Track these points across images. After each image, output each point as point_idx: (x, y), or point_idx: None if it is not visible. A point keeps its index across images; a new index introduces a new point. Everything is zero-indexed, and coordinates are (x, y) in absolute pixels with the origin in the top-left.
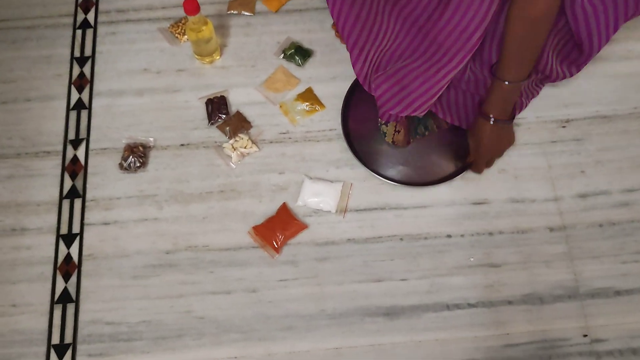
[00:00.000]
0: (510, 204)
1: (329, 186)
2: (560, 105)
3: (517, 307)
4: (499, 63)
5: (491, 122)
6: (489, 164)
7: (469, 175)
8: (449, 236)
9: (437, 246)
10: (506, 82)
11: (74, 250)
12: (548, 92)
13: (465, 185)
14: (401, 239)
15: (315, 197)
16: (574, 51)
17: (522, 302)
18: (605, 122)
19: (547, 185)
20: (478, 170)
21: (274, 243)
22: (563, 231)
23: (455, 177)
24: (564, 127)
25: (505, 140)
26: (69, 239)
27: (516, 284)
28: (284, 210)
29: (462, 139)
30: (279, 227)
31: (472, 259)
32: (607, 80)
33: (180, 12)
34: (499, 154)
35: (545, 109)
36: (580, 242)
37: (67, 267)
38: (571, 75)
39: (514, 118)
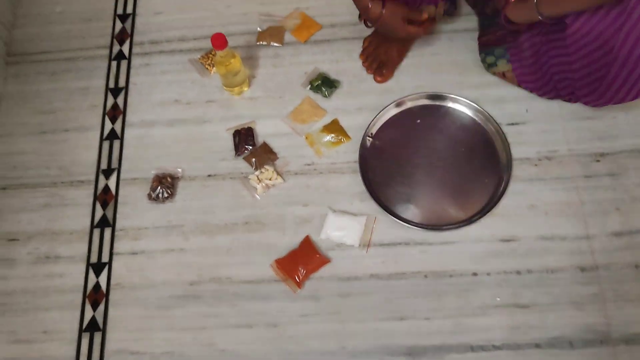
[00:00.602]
0: (539, 241)
1: (352, 220)
2: (595, 138)
3: (545, 351)
4: None
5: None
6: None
7: (497, 210)
8: (475, 274)
9: (462, 284)
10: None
11: (103, 279)
12: (582, 125)
13: (493, 222)
14: (425, 276)
15: (338, 231)
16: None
17: (550, 346)
18: None
19: (579, 223)
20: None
21: (296, 277)
22: (595, 271)
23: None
24: (598, 161)
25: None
26: (98, 267)
27: (544, 326)
28: (307, 243)
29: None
30: (302, 261)
31: (498, 299)
32: None
33: (210, 43)
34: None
35: (579, 142)
36: (614, 283)
37: (96, 296)
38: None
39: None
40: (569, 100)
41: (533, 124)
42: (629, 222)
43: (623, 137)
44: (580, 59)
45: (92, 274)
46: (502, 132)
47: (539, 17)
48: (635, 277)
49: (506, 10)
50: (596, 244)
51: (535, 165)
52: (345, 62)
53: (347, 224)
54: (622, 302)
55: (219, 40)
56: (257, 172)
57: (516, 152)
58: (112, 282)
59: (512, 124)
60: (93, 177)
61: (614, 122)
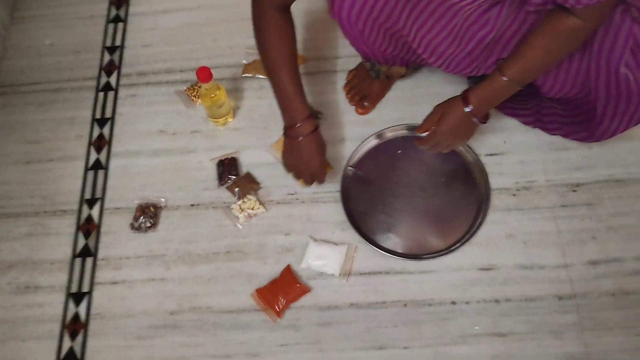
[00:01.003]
0: (518, 270)
1: (333, 249)
2: (572, 169)
3: None
4: (508, 58)
5: (466, 110)
6: (434, 146)
7: (476, 240)
8: (454, 303)
9: (441, 313)
10: (504, 78)
11: (82, 309)
12: (558, 156)
13: (473, 251)
14: (405, 305)
15: (319, 260)
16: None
17: None
18: (618, 186)
19: (557, 252)
20: (422, 143)
21: (277, 307)
22: (573, 300)
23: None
24: (574, 191)
25: (463, 135)
26: (78, 297)
27: (524, 355)
28: (288, 272)
29: (457, 218)
30: (282, 290)
31: (477, 328)
32: (620, 142)
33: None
34: (450, 144)
35: (556, 173)
36: (592, 312)
37: (75, 326)
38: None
39: (487, 120)
40: (556, 134)
41: (511, 154)
42: (605, 250)
43: (598, 168)
44: (565, 106)
45: (71, 304)
46: (481, 163)
47: (514, 87)
48: (613, 305)
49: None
50: (574, 272)
51: (514, 195)
52: (329, 94)
53: (328, 253)
54: (600, 330)
55: (204, 74)
56: (239, 202)
57: (495, 182)
58: (92, 311)
59: (491, 154)
60: (76, 207)
61: (589, 153)
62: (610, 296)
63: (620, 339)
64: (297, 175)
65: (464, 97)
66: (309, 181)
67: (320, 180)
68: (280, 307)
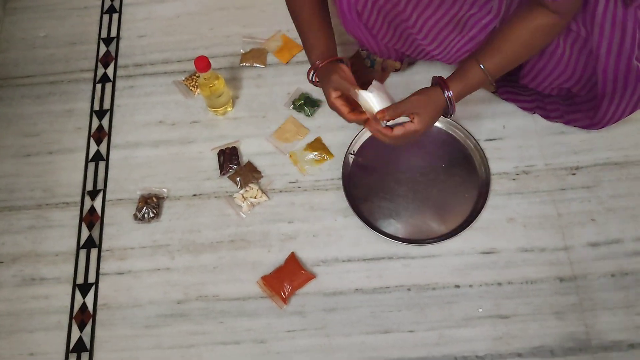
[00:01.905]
0: (519, 253)
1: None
2: (570, 152)
3: None
4: (484, 48)
5: (446, 95)
6: (400, 143)
7: (477, 224)
8: (457, 286)
9: (445, 297)
10: (482, 67)
11: (89, 299)
12: (557, 139)
13: (474, 235)
14: (409, 290)
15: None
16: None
17: (532, 355)
18: (616, 168)
19: (556, 234)
20: (392, 136)
21: (282, 294)
22: (574, 281)
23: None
24: (573, 174)
25: (431, 124)
26: (84, 288)
27: (526, 336)
28: (292, 260)
29: (457, 202)
30: (287, 277)
31: (480, 310)
32: (617, 125)
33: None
34: (416, 135)
35: (554, 156)
36: (592, 292)
37: (83, 317)
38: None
39: (454, 112)
40: (558, 121)
41: (510, 139)
42: (604, 232)
43: (596, 151)
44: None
45: (78, 295)
46: (481, 148)
47: (488, 77)
48: (612, 285)
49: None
50: (574, 254)
51: (513, 179)
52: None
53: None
54: (600, 310)
55: (203, 63)
56: (242, 191)
57: (494, 167)
58: (99, 302)
59: (490, 139)
60: (79, 199)
61: (587, 137)
62: (610, 277)
63: (620, 318)
64: (333, 109)
65: (443, 84)
66: (342, 111)
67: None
68: (287, 293)
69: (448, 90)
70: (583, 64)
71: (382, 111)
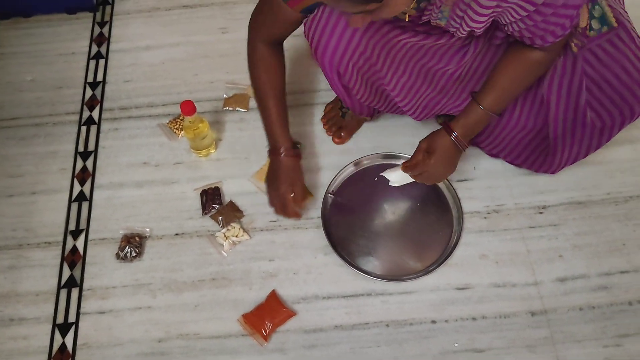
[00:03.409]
0: (492, 288)
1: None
2: (537, 192)
3: None
4: (482, 89)
5: (452, 138)
6: (426, 178)
7: (451, 260)
8: (434, 322)
9: (422, 332)
10: (481, 107)
11: (69, 339)
12: (524, 180)
13: (449, 272)
14: (387, 325)
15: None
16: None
17: None
18: (580, 207)
19: (527, 270)
20: (415, 169)
21: (263, 331)
22: (544, 315)
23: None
24: (541, 213)
25: (451, 164)
26: (64, 328)
27: None
28: (273, 297)
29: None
30: (268, 315)
31: (456, 345)
32: (579, 167)
33: (179, 109)
34: (440, 175)
35: (523, 196)
36: (562, 326)
37: (62, 357)
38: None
39: (466, 148)
40: (520, 166)
41: (481, 180)
42: (571, 268)
43: (561, 191)
44: (525, 139)
45: (58, 335)
46: (453, 188)
47: (491, 115)
48: (581, 319)
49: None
50: (543, 289)
51: (485, 218)
52: (307, 125)
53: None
54: (570, 343)
55: (188, 107)
56: (223, 230)
57: (466, 206)
58: (79, 342)
59: (462, 180)
60: (61, 238)
61: (552, 178)
62: (578, 310)
63: (589, 351)
64: (278, 201)
65: (447, 128)
66: (288, 205)
67: (299, 203)
68: (267, 331)
69: (452, 131)
70: (534, 116)
71: (404, 163)
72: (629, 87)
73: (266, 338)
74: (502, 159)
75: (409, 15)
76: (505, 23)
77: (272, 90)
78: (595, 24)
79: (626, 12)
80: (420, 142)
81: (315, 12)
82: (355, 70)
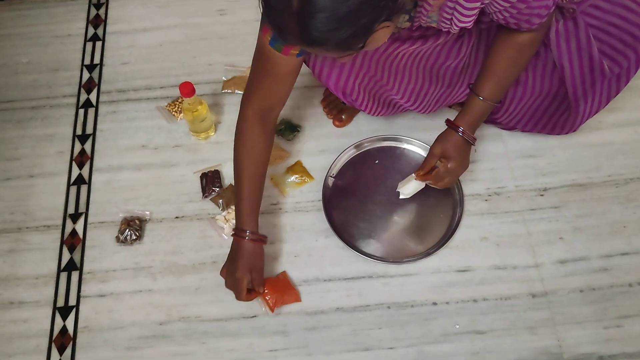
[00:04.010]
0: (493, 270)
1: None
2: (538, 174)
3: None
4: (479, 80)
5: (460, 133)
6: (448, 183)
7: (452, 243)
8: (435, 304)
9: (423, 314)
10: (481, 98)
11: (70, 322)
12: (525, 162)
13: (450, 254)
14: (388, 307)
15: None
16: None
17: None
18: (581, 189)
19: (527, 252)
20: (436, 177)
21: (269, 302)
22: (545, 297)
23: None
24: (542, 195)
25: (465, 160)
26: (65, 311)
27: (502, 350)
28: (285, 278)
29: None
30: (277, 290)
31: (457, 326)
32: (581, 149)
33: (177, 92)
34: (457, 173)
35: (524, 178)
36: (563, 307)
37: (63, 340)
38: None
39: (475, 140)
40: (540, 132)
41: (482, 162)
42: (572, 250)
43: (562, 173)
44: (541, 102)
45: (58, 318)
46: None
47: (492, 104)
48: (581, 300)
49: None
50: (544, 271)
51: (486, 200)
52: (307, 108)
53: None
54: (570, 324)
55: (187, 89)
56: (224, 213)
57: (467, 188)
58: (80, 325)
59: None
60: (60, 222)
61: (554, 159)
62: (578, 292)
63: (590, 332)
64: (232, 285)
65: (452, 125)
66: (241, 292)
67: (256, 289)
68: (273, 303)
69: (458, 128)
70: (549, 80)
71: (417, 173)
72: (637, 24)
73: (272, 309)
74: (519, 129)
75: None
76: (490, 12)
77: (248, 170)
78: None
79: None
80: (431, 148)
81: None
82: (362, 88)
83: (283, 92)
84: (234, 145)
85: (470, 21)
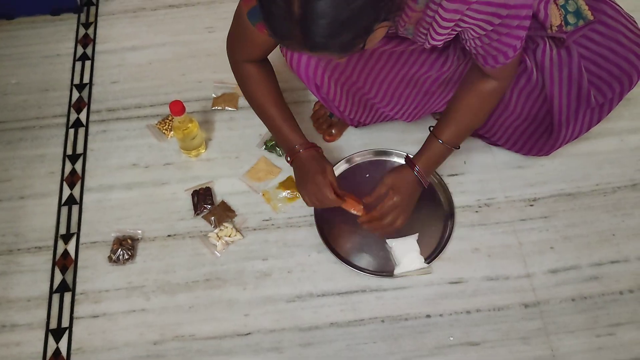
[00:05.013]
0: (485, 282)
1: (405, 242)
2: (527, 185)
3: None
4: (439, 123)
5: (415, 172)
6: (388, 222)
7: (444, 255)
8: (429, 316)
9: (417, 327)
10: (440, 141)
11: (63, 344)
12: (514, 173)
13: (442, 266)
14: (382, 321)
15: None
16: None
17: None
18: (570, 199)
19: (519, 262)
20: (369, 220)
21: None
22: (537, 307)
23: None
24: (531, 205)
25: (411, 203)
26: (58, 333)
27: None
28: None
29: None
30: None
31: (451, 338)
32: (568, 159)
33: (168, 109)
34: (402, 209)
35: (513, 189)
36: (555, 317)
37: None
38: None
39: (426, 185)
40: (518, 152)
41: (471, 174)
42: (562, 259)
43: (551, 183)
44: (525, 123)
45: (51, 340)
46: (444, 183)
47: (450, 149)
48: (573, 309)
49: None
50: (536, 281)
51: (476, 211)
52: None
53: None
54: (563, 334)
55: (177, 107)
56: (216, 230)
57: (458, 200)
58: (73, 346)
59: (453, 175)
60: (51, 243)
61: (542, 170)
62: (570, 301)
63: (583, 341)
64: (314, 197)
65: (410, 162)
66: (325, 197)
67: (336, 187)
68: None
69: (414, 166)
70: (533, 103)
71: (366, 200)
72: (625, 57)
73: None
74: (500, 145)
75: None
76: (465, 39)
77: (268, 97)
78: (571, 19)
79: None
80: (384, 177)
81: None
82: (333, 82)
83: (263, 54)
84: (243, 92)
85: (442, 39)
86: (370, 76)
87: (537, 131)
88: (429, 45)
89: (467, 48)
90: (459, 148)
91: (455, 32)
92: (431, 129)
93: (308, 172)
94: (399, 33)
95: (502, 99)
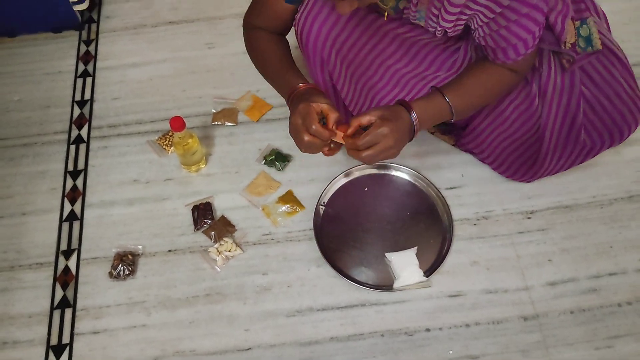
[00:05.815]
0: (484, 295)
1: (404, 255)
2: (524, 197)
3: None
4: (448, 84)
5: (412, 116)
6: (370, 156)
7: (443, 268)
8: (428, 330)
9: (417, 341)
10: (447, 100)
11: None
12: (511, 186)
13: (441, 279)
14: (382, 335)
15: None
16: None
17: None
18: (567, 211)
19: (517, 275)
20: (359, 148)
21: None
22: (536, 320)
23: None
24: (529, 218)
25: (400, 143)
26: (58, 349)
27: None
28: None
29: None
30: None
31: (451, 352)
32: (565, 171)
33: (168, 125)
34: (389, 142)
35: (510, 202)
36: (554, 329)
37: None
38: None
39: (416, 135)
40: (503, 174)
41: (469, 187)
42: (560, 272)
43: (548, 196)
44: (513, 146)
45: (52, 357)
46: (442, 196)
47: (451, 115)
48: (572, 322)
49: (416, 112)
50: (534, 294)
51: (474, 224)
52: None
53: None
54: (562, 346)
55: (178, 123)
56: (216, 245)
57: (456, 213)
58: None
59: (451, 188)
60: (52, 259)
61: (539, 183)
62: (569, 314)
63: (582, 353)
64: (296, 134)
65: (408, 106)
66: (311, 119)
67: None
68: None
69: (411, 110)
70: (526, 127)
71: (353, 122)
72: (620, 111)
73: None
74: (488, 164)
75: (388, 16)
76: (474, 28)
77: (275, 54)
78: (581, 43)
79: (615, 40)
80: (375, 108)
81: (303, 2)
82: (339, 60)
83: (279, 24)
84: (249, 53)
85: (451, 25)
86: (378, 58)
87: (523, 156)
88: (440, 32)
89: (477, 40)
90: (453, 120)
91: (465, 17)
92: (438, 86)
93: (297, 106)
94: (411, 19)
95: (499, 112)
